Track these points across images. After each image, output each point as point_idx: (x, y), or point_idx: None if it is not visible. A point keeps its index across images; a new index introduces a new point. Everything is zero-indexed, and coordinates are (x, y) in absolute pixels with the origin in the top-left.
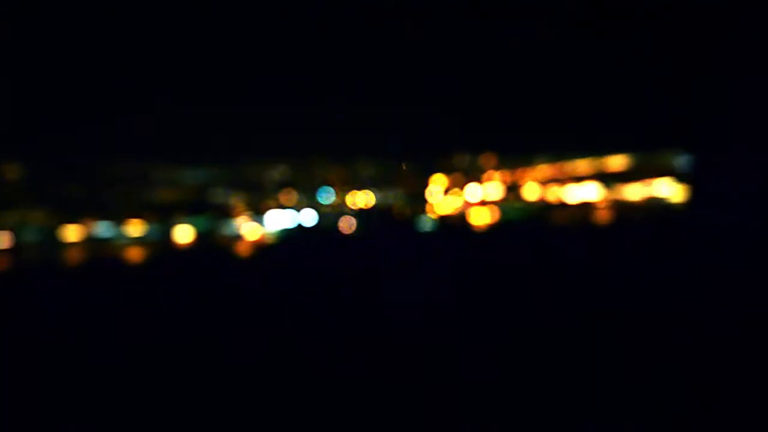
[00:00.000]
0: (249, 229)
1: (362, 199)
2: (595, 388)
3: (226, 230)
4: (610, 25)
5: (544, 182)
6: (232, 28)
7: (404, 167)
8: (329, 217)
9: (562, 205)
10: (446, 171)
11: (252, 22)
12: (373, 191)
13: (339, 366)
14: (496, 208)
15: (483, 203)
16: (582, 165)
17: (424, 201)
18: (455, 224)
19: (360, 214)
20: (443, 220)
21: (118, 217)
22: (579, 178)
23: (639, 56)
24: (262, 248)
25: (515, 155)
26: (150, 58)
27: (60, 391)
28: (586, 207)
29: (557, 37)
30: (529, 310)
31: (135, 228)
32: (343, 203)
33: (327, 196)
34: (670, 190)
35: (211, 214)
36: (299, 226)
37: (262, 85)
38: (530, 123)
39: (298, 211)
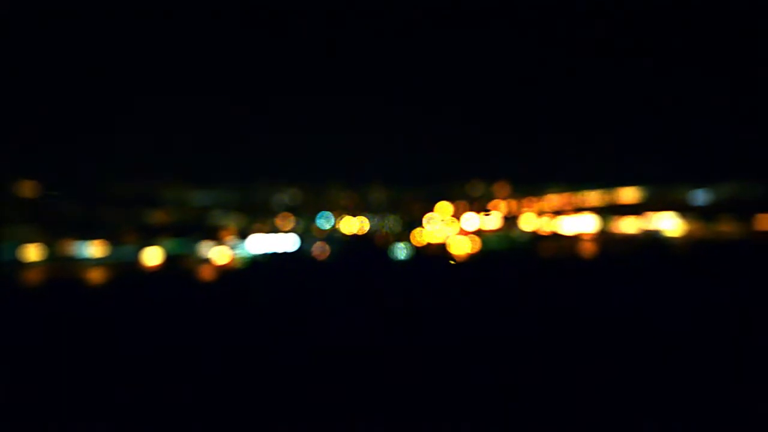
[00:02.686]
0: (219, 253)
1: (356, 224)
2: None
3: (197, 253)
4: (634, 59)
5: (543, 213)
6: (247, 50)
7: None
8: (313, 242)
9: (553, 237)
10: (455, 198)
11: (266, 46)
12: (368, 217)
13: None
14: (477, 239)
15: (479, 232)
16: (593, 196)
17: (418, 228)
18: (432, 253)
19: (347, 239)
20: (423, 248)
21: (99, 237)
22: (581, 210)
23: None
24: (224, 272)
25: (528, 185)
26: (171, 78)
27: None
28: (576, 239)
29: (580, 68)
30: (472, 338)
31: (100, 249)
32: (336, 229)
33: (326, 221)
34: (671, 223)
35: (193, 236)
36: (275, 251)
37: (277, 111)
38: (546, 153)
39: (289, 235)
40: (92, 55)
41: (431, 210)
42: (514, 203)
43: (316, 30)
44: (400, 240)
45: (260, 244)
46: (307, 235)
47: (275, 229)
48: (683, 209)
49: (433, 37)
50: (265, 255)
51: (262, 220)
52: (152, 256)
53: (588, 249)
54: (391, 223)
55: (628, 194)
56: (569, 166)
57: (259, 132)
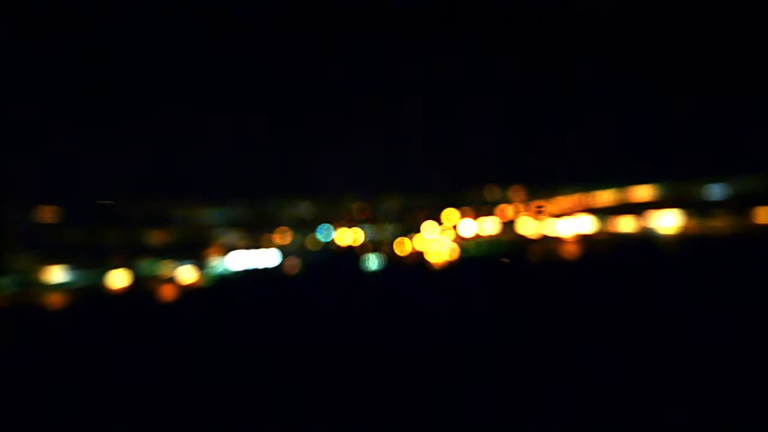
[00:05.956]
0: (186, 272)
1: (350, 236)
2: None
3: (164, 273)
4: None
5: (542, 216)
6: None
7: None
8: (295, 256)
9: (545, 239)
10: (465, 205)
11: (272, 57)
12: (365, 228)
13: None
14: (457, 246)
15: (476, 238)
16: (597, 197)
17: (407, 236)
18: (409, 263)
19: (331, 252)
20: (401, 258)
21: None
22: (583, 211)
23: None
24: (186, 292)
25: (537, 188)
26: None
27: None
28: (568, 241)
29: (591, 71)
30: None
31: (64, 273)
32: (332, 242)
33: (324, 234)
34: (670, 221)
35: (176, 255)
36: (250, 268)
37: (287, 120)
38: (558, 153)
39: (271, 250)
40: (96, 69)
41: (437, 217)
42: (520, 207)
43: (320, 39)
44: (378, 250)
45: (240, 260)
46: (299, 249)
47: (266, 245)
48: (685, 206)
49: (439, 41)
50: (237, 272)
51: (259, 235)
52: (118, 278)
53: (577, 250)
54: (385, 232)
55: (631, 193)
56: (575, 167)
57: (270, 144)
